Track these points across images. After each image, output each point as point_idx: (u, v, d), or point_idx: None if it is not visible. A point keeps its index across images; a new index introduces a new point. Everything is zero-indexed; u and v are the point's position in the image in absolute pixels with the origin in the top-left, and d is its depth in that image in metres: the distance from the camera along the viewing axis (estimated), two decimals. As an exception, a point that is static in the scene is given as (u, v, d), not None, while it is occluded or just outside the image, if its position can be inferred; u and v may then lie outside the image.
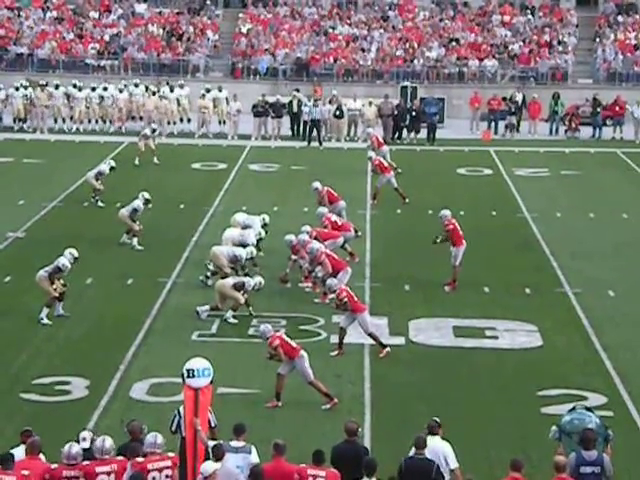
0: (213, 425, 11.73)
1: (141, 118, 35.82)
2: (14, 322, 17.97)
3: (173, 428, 11.71)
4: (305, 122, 35.05)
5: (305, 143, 34.61)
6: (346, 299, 16.66)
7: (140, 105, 35.98)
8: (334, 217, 21.63)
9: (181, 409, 11.78)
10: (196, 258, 21.79)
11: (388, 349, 16.76)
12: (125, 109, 36.02)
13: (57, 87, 36.30)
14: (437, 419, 11.59)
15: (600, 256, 22.25)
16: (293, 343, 14.97)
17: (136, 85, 36.62)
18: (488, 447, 11.86)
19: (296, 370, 14.81)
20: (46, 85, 36.46)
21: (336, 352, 16.77)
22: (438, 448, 11.29)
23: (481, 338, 17.67)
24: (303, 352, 14.90)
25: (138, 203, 22.42)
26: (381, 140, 30.20)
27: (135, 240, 22.32)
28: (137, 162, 30.38)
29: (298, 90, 36.93)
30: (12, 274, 20.44)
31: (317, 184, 23.78)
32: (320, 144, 34.00)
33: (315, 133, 34.39)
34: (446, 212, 20.46)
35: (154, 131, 31.72)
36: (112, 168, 26.38)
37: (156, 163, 30.50)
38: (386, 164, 26.96)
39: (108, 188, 26.09)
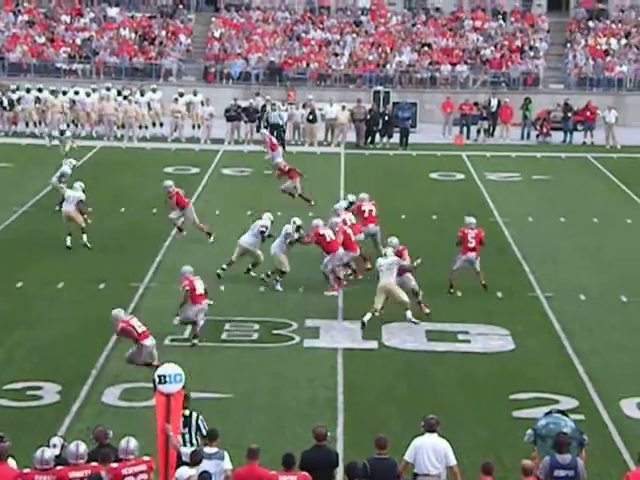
0: (205, 434, 11.72)
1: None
2: (-15, 327, 17.84)
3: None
4: (274, 126, 34.95)
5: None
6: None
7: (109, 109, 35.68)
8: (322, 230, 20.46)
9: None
10: (169, 262, 21.72)
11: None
12: (94, 113, 35.76)
13: (28, 91, 36.11)
14: (435, 416, 11.64)
15: (571, 260, 22.40)
16: (139, 329, 15.84)
17: (108, 89, 36.47)
18: (460, 450, 11.89)
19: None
20: (17, 89, 36.29)
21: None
22: (439, 445, 11.40)
23: (453, 342, 17.72)
24: (148, 341, 15.81)
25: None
26: (275, 142, 30.08)
27: (85, 237, 22.32)
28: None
29: (258, 94, 36.85)
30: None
31: (168, 182, 23.77)
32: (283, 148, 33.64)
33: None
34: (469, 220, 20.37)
35: (62, 133, 31.43)
36: (74, 167, 26.03)
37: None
38: (287, 168, 26.85)
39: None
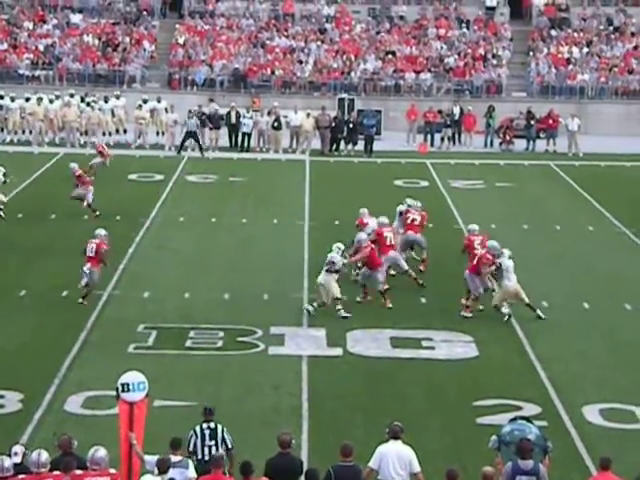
0: (230, 447, 11.64)
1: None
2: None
3: (190, 448, 11.61)
4: (244, 134, 35.10)
5: (244, 154, 34.64)
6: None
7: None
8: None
9: (197, 429, 11.70)
10: (132, 270, 21.63)
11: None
12: (56, 120, 35.44)
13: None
14: (399, 423, 11.67)
15: (534, 267, 22.54)
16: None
17: (71, 95, 36.25)
18: (424, 457, 11.93)
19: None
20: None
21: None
22: (404, 452, 11.43)
23: (418, 349, 17.78)
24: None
25: None
26: (107, 151, 30.22)
27: None
28: None
29: (212, 100, 36.80)
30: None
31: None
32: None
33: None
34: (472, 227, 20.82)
35: None
36: (4, 175, 25.32)
37: None
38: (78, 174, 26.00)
39: (40, 200, 25.74)
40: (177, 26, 44.37)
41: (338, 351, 17.54)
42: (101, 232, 19.95)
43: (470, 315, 19.18)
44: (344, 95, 39.20)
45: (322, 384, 16.15)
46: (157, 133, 35.96)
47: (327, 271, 19.00)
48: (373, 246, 19.84)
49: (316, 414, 14.99)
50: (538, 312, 19.23)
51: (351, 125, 35.79)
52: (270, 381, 16.12)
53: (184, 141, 34.08)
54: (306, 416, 14.93)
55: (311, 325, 18.67)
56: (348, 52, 42.42)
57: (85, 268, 19.30)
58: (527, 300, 19.11)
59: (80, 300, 19.25)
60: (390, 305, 19.48)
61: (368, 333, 18.33)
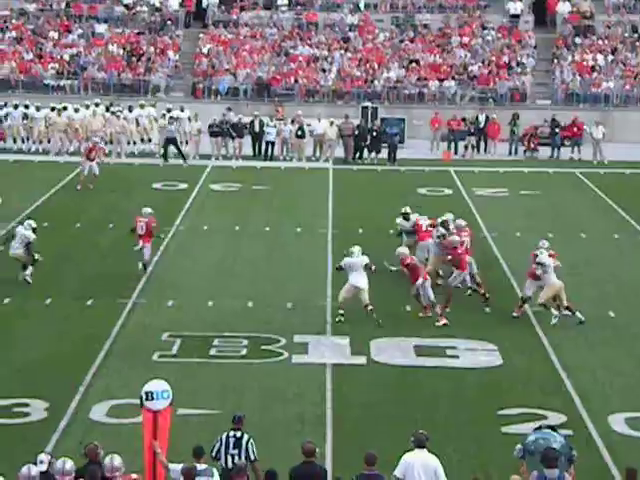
0: (253, 458, 11.61)
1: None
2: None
3: (213, 454, 11.63)
4: (267, 142, 35.23)
5: (267, 163, 34.72)
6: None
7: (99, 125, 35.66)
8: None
9: (223, 436, 11.69)
10: (157, 278, 21.69)
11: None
12: (82, 129, 35.59)
13: (16, 107, 36.03)
14: (424, 432, 11.62)
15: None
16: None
17: (96, 105, 36.43)
18: (449, 466, 11.88)
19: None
20: (5, 105, 36.25)
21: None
22: (429, 461, 11.39)
23: (442, 357, 17.72)
24: None
25: (29, 234, 20.95)
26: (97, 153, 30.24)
27: (28, 271, 20.96)
28: None
29: (230, 109, 36.84)
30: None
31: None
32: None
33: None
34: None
35: None
36: None
37: None
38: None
39: (66, 209, 25.87)
40: (201, 35, 44.54)
41: (362, 359, 17.51)
42: (147, 210, 21.84)
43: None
44: (367, 103, 39.18)
45: (346, 393, 16.12)
46: (180, 142, 36.06)
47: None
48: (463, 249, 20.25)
49: (340, 423, 14.95)
50: (578, 315, 19.24)
51: (374, 133, 35.78)
52: (294, 389, 16.11)
53: (165, 148, 34.11)
54: (330, 425, 14.90)
55: (335, 333, 18.65)
56: (371, 60, 42.44)
57: (139, 246, 21.42)
58: (566, 302, 19.29)
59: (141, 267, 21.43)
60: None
61: (392, 341, 18.29)
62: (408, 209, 22.58)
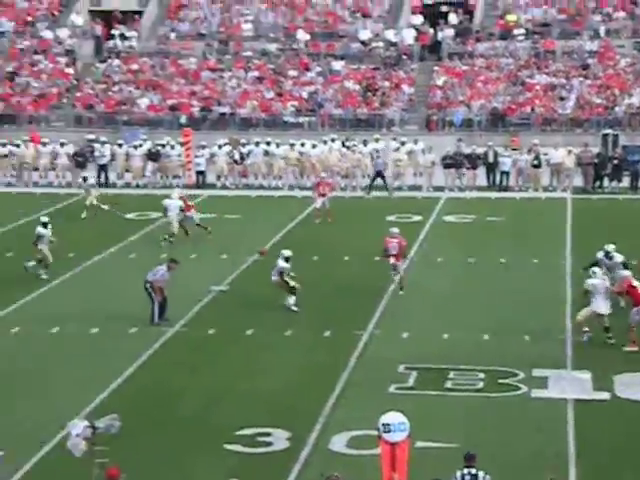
0: None
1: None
2: (218, 374, 18.40)
3: None
4: (502, 172, 34.94)
5: (502, 193, 34.35)
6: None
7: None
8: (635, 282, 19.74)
9: (458, 474, 11.75)
10: (392, 309, 21.79)
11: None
12: (319, 164, 36.39)
13: (257, 144, 37.31)
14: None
15: None
16: None
17: (332, 140, 37.21)
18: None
19: None
20: (247, 143, 37.63)
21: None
22: None
23: (693, 394, 16.82)
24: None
25: (282, 264, 21.53)
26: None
27: (292, 300, 21.58)
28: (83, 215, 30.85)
29: (460, 140, 36.61)
30: (215, 327, 20.95)
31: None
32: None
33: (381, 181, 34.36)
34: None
35: (85, 180, 32.06)
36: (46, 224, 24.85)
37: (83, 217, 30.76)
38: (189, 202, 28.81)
39: (300, 241, 26.42)
40: (436, 68, 44.75)
41: (605, 395, 16.88)
42: (395, 230, 22.99)
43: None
44: (608, 131, 38.07)
45: (588, 429, 15.56)
46: (414, 174, 36.26)
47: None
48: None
49: (583, 460, 14.43)
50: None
51: (615, 161, 34.69)
52: (533, 424, 15.71)
53: (373, 180, 34.42)
54: (573, 462, 14.41)
55: (576, 367, 18.09)
56: (612, 87, 41.25)
57: (391, 263, 22.58)
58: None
59: (400, 290, 22.53)
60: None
61: (637, 377, 17.53)
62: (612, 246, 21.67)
